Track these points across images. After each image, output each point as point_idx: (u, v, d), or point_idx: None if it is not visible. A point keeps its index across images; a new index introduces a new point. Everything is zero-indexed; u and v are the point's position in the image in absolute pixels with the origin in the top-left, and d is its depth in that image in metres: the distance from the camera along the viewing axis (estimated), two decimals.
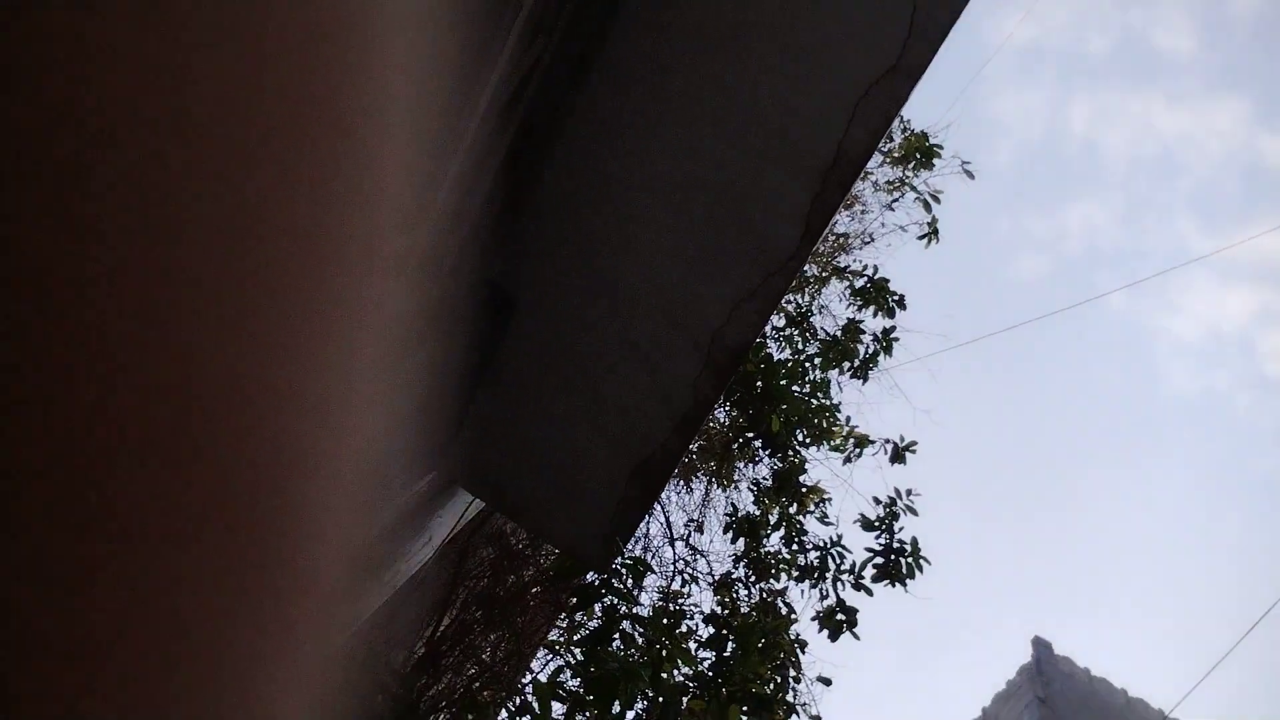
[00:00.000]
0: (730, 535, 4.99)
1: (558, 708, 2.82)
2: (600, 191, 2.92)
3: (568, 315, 3.09)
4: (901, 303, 5.41)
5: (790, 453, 5.04)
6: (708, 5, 2.62)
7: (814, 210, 2.80)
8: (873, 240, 6.71)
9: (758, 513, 5.35)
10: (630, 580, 3.33)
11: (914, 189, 5.86)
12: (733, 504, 5.22)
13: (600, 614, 3.31)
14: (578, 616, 4.33)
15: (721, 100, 2.71)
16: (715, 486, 6.22)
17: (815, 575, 5.28)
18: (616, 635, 3.23)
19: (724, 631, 4.19)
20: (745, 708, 3.70)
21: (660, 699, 3.20)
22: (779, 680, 4.40)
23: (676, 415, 3.16)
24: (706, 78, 2.70)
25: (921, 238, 5.60)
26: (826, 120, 2.67)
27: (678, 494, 6.38)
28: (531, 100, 2.58)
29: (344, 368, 0.23)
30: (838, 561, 5.29)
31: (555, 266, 3.03)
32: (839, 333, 5.73)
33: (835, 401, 5.55)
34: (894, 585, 5.22)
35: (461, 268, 2.89)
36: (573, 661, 3.63)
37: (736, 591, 5.13)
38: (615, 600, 3.27)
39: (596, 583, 3.23)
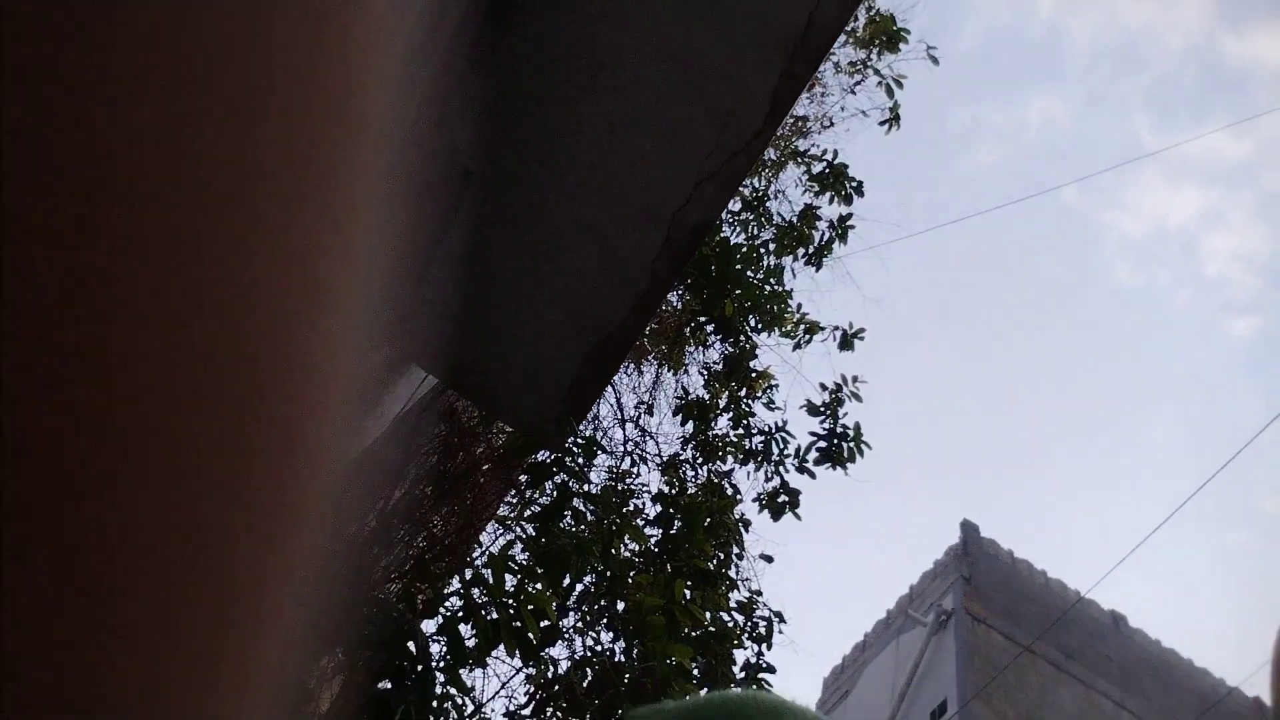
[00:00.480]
0: (680, 418, 5.05)
1: (509, 580, 2.87)
2: (563, 60, 2.79)
3: (526, 190, 3.00)
4: (859, 189, 5.37)
5: (742, 338, 5.07)
6: None
7: (781, 86, 2.72)
8: (833, 124, 6.61)
9: (707, 397, 5.41)
10: (582, 459, 3.36)
11: (877, 72, 5.74)
12: (683, 387, 5.27)
13: (552, 491, 3.35)
14: (529, 493, 4.38)
15: None
16: (666, 370, 6.26)
17: (760, 458, 5.39)
18: (568, 512, 3.27)
19: (671, 510, 4.28)
20: (690, 582, 3.82)
21: (609, 573, 3.28)
22: (723, 557, 4.54)
23: (633, 296, 3.13)
24: None
25: (883, 123, 5.53)
26: None
27: (629, 376, 6.41)
28: None
29: (288, 239, 0.22)
30: (782, 446, 5.41)
31: (514, 138, 2.92)
32: (795, 218, 5.69)
33: (788, 288, 5.56)
34: (835, 468, 5.36)
35: (418, 133, 2.76)
36: (524, 536, 3.69)
37: (684, 472, 5.24)
38: (567, 478, 3.30)
39: (549, 461, 3.25)
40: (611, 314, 3.17)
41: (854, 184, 5.38)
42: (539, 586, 3.04)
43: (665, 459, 5.43)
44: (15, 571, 0.17)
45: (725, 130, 2.80)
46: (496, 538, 4.82)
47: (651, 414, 5.97)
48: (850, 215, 5.44)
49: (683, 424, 5.12)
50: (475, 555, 5.08)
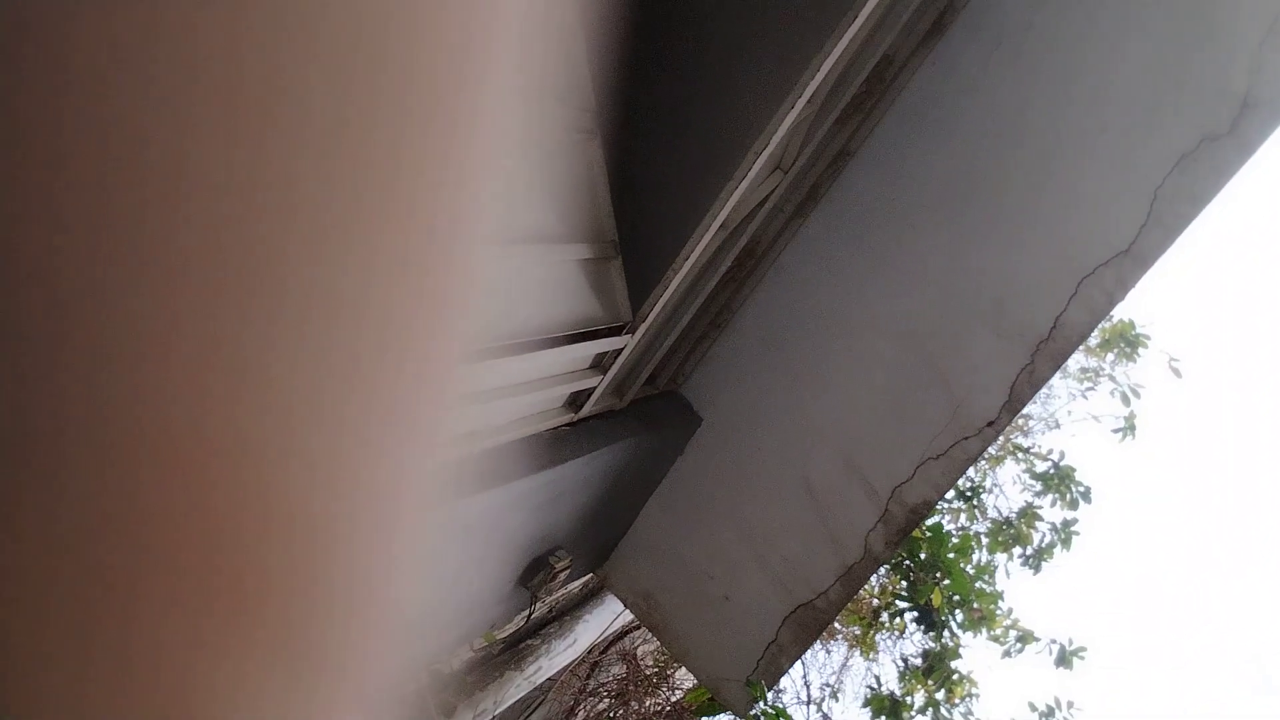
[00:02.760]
0: (870, 710, 4.70)
1: None
2: (802, 323, 2.97)
3: (748, 442, 3.11)
4: (1087, 495, 5.10)
5: (946, 633, 4.75)
6: (944, 160, 2.69)
7: (1020, 380, 2.74)
8: (1058, 426, 6.43)
9: (900, 692, 5.03)
10: None
11: (1113, 379, 5.60)
12: (876, 677, 4.94)
13: None
14: None
15: (941, 255, 2.73)
16: (856, 653, 5.92)
17: None
18: None
19: None
20: None
21: None
22: None
23: (842, 565, 3.07)
24: (928, 230, 2.74)
25: (1116, 431, 5.32)
26: (1047, 292, 2.63)
27: (815, 655, 6.11)
28: (757, 227, 2.69)
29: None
30: None
31: (745, 390, 3.08)
32: (1013, 515, 5.44)
33: (1000, 589, 5.22)
34: None
35: (659, 376, 2.98)
36: None
37: None
38: None
39: None
40: (816, 579, 3.11)
41: (1081, 489, 5.13)
42: None
43: None
44: None
45: (956, 414, 2.82)
46: None
47: (836, 699, 5.61)
48: (1075, 521, 5.14)
49: (872, 717, 4.76)
50: None
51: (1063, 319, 2.67)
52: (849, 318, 2.89)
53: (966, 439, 2.85)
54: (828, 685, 5.64)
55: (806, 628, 3.17)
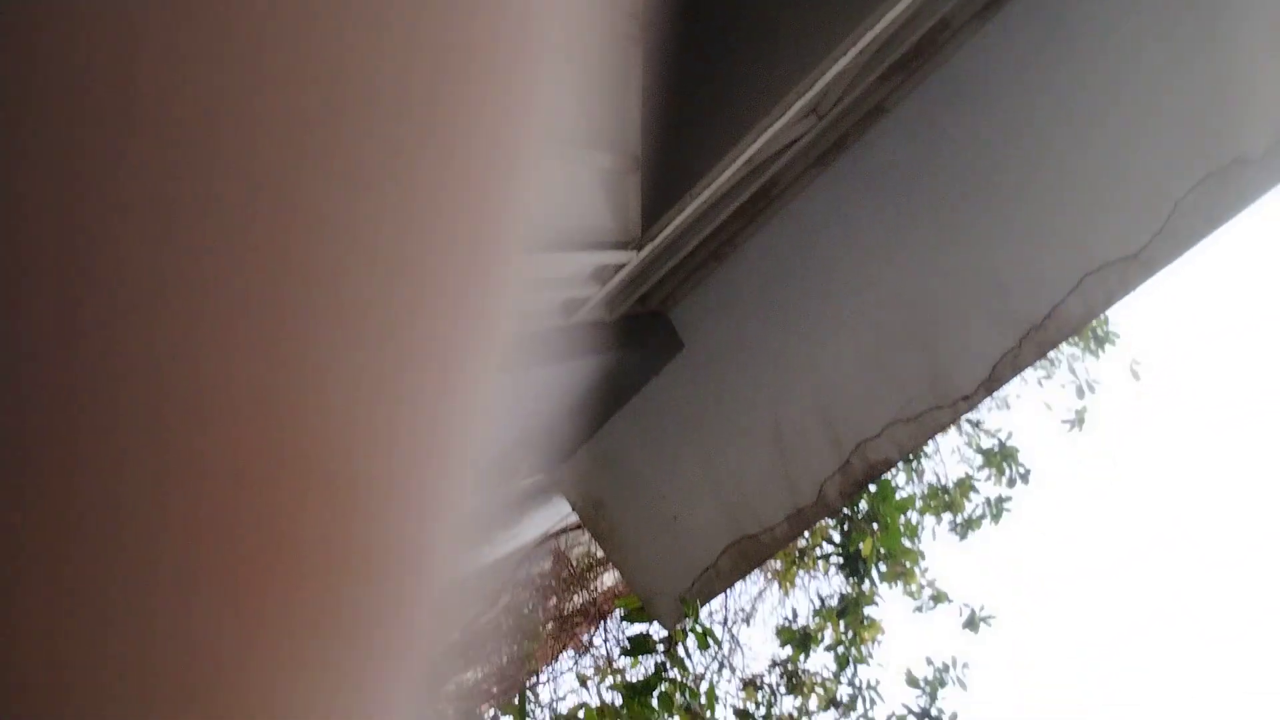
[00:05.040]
0: (780, 640, 4.90)
1: None
2: (802, 269, 2.96)
3: (725, 375, 3.13)
4: (1026, 477, 5.27)
5: (868, 581, 4.93)
6: (977, 135, 2.66)
7: (1003, 362, 2.79)
8: (1009, 407, 6.57)
9: (812, 627, 5.24)
10: (691, 646, 3.31)
11: (1072, 371, 5.73)
12: (794, 609, 5.13)
13: (650, 669, 3.30)
14: (620, 659, 4.30)
15: (953, 228, 2.73)
16: (775, 584, 6.13)
17: (844, 710, 5.13)
18: (657, 692, 3.21)
19: None
20: None
21: None
22: None
23: (794, 506, 3.15)
24: (946, 201, 2.73)
25: (1066, 422, 5.48)
26: (1049, 281, 2.66)
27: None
28: (779, 168, 2.66)
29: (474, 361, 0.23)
30: (869, 705, 5.14)
31: (732, 325, 3.08)
32: (950, 484, 5.61)
33: (921, 549, 5.41)
34: None
35: (651, 297, 2.97)
36: (601, 703, 3.61)
37: (765, 697, 5.03)
38: (668, 662, 3.25)
39: (663, 639, 3.22)
40: (766, 515, 3.19)
41: (1021, 470, 5.29)
42: None
43: (749, 675, 5.26)
44: None
45: (934, 383, 2.87)
46: (556, 689, 4.72)
47: (749, 624, 5.83)
48: (1009, 499, 5.32)
49: (781, 646, 4.96)
50: (530, 703, 4.96)
51: (1059, 309, 2.70)
52: (849, 272, 2.89)
53: (939, 409, 2.90)
54: (742, 610, 5.84)
55: (746, 558, 3.26)
